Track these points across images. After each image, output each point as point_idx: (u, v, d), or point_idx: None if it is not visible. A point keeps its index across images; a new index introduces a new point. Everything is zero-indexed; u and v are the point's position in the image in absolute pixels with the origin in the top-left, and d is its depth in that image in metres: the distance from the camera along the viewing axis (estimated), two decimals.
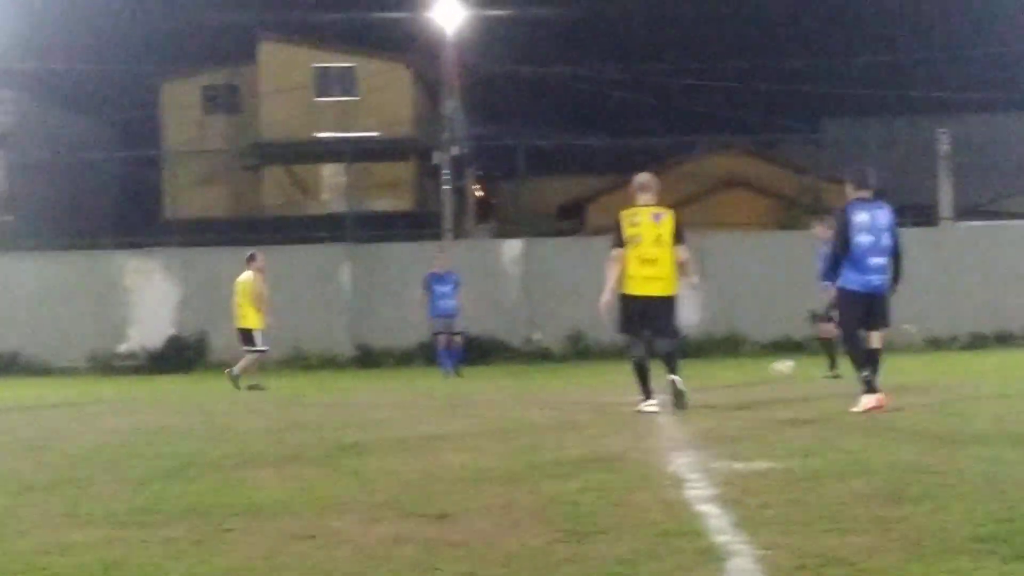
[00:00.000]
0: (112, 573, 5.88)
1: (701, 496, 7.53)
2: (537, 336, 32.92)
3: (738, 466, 8.92)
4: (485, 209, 60.23)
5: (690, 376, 14.63)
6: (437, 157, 43.33)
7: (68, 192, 48.58)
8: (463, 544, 6.30)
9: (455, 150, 43.54)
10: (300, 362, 31.24)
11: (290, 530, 6.84)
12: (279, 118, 52.74)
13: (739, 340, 32.15)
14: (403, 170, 54.39)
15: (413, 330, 29.65)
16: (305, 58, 53.74)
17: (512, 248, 34.04)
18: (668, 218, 14.12)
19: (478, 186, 56.92)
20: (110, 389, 24.12)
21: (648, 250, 13.89)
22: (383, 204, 51.30)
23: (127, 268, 33.09)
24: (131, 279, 32.85)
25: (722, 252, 32.10)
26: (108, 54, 54.31)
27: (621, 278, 14.00)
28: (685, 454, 9.72)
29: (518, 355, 32.41)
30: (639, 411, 13.77)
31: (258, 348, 23.49)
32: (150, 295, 32.75)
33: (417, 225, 43.24)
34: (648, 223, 13.98)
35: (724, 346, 31.57)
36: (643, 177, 14.41)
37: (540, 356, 32.43)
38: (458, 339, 26.06)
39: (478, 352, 31.31)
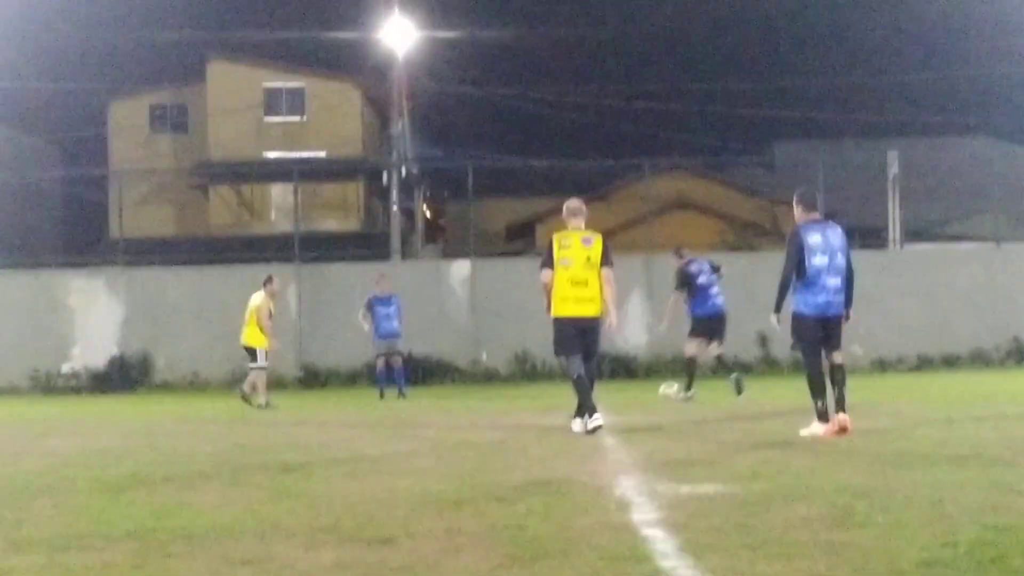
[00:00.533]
0: None
1: (647, 520, 7.50)
2: (484, 357, 32.88)
3: (685, 489, 8.89)
4: (433, 230, 60.24)
5: (640, 397, 14.62)
6: (385, 178, 43.29)
7: (13, 211, 48.22)
8: (406, 569, 6.24)
9: (403, 171, 43.52)
10: (242, 382, 31.06)
11: (232, 555, 6.75)
12: (228, 137, 52.56)
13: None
14: (351, 191, 54.29)
15: (359, 350, 29.53)
16: (254, 78, 53.60)
17: (460, 269, 34.00)
18: (597, 242, 14.43)
19: (426, 207, 56.91)
20: (52, 409, 23.89)
21: (578, 272, 14.23)
22: (331, 224, 51.20)
23: (71, 287, 32.83)
24: (75, 298, 32.59)
25: (669, 273, 32.09)
26: (56, 72, 54.00)
27: (553, 300, 14.37)
28: (631, 477, 9.69)
29: (465, 376, 32.37)
30: (586, 427, 13.86)
31: (260, 365, 23.46)
32: (94, 315, 32.49)
33: (365, 245, 43.16)
34: (578, 246, 14.34)
35: (673, 367, 31.58)
36: (573, 203, 14.75)
37: (487, 376, 32.39)
38: (398, 360, 26.01)
39: (424, 373, 31.23)
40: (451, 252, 47.76)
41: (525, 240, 54.50)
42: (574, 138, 54.10)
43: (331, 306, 32.01)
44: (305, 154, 51.09)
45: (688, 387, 20.46)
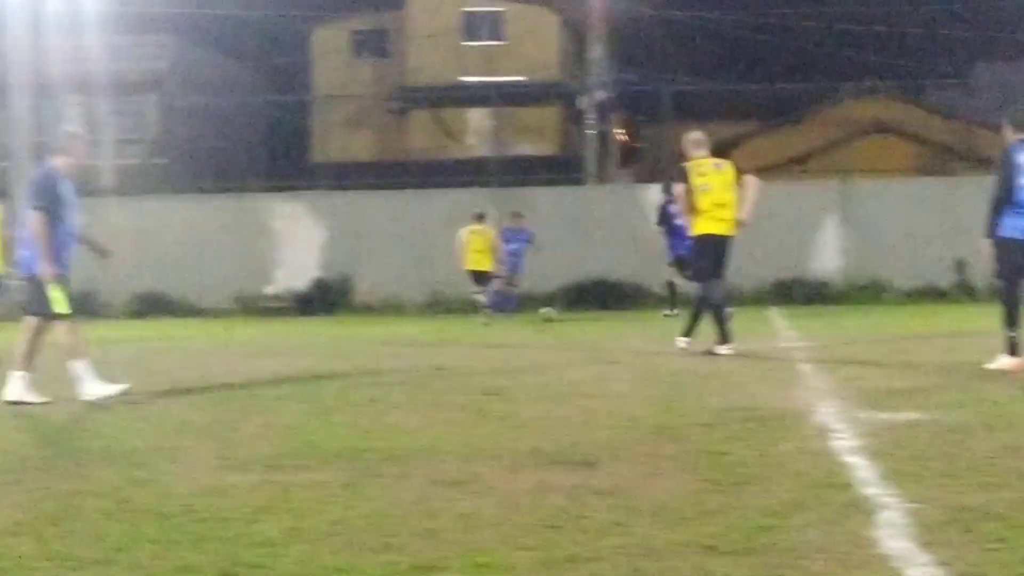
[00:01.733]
0: (265, 516, 6.01)
1: (847, 447, 7.50)
2: (678, 281, 32.77)
3: (884, 416, 8.86)
4: (628, 154, 59.98)
5: (835, 323, 14.52)
6: (581, 102, 43.23)
7: (219, 136, 49.24)
8: (610, 493, 6.34)
9: (600, 95, 43.39)
10: (440, 306, 31.42)
11: (438, 476, 6.93)
12: (426, 62, 52.88)
13: (881, 287, 31.70)
14: (547, 115, 54.28)
15: (554, 274, 29.71)
16: (454, 2, 53.77)
17: (655, 193, 33.87)
18: (727, 166, 15.41)
19: (621, 131, 56.69)
20: (256, 331, 24.46)
21: (719, 195, 15.11)
22: (527, 148, 51.30)
23: (275, 211, 33.48)
24: (279, 222, 33.22)
25: (866, 199, 31.64)
26: None
27: (698, 220, 15.30)
28: (830, 404, 9.66)
29: (660, 300, 32.29)
30: (716, 353, 14.47)
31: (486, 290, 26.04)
32: (297, 238, 33.10)
33: (560, 170, 43.19)
34: (713, 172, 15.25)
35: (866, 294, 31.16)
36: (697, 135, 15.76)
37: (682, 302, 32.25)
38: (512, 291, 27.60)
39: (620, 297, 31.27)
40: (646, 176, 47.54)
41: None
42: (770, 61, 53.11)
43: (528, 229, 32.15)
44: (503, 79, 51.20)
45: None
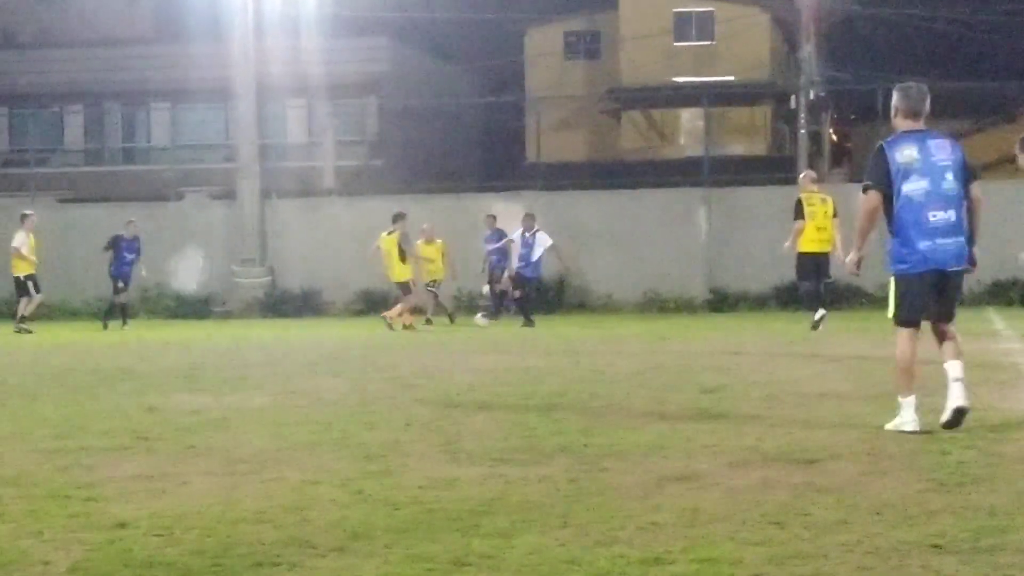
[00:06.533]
0: (494, 508, 6.19)
1: None
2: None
3: None
4: (840, 153, 59.23)
5: None
6: (793, 101, 42.86)
7: (435, 137, 49.83)
8: (833, 490, 6.39)
9: (811, 94, 42.98)
10: (656, 305, 31.42)
11: (661, 471, 7.04)
12: (638, 63, 52.88)
13: None
14: (759, 114, 53.88)
15: (768, 274, 29.48)
16: (665, 3, 53.68)
17: None
18: (830, 201, 20.86)
19: (833, 130, 56.02)
20: (474, 329, 24.65)
21: (821, 221, 20.53)
22: (738, 148, 50.98)
23: (491, 210, 33.71)
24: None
25: None
26: (476, 2, 55.30)
27: (802, 240, 20.49)
28: None
29: (873, 300, 31.80)
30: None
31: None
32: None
33: (772, 169, 42.86)
34: (819, 204, 20.67)
35: None
36: (812, 173, 22.54)
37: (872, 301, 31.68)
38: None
39: (835, 296, 30.91)
40: (858, 176, 46.85)
41: None
42: (982, 58, 51.88)
43: (739, 229, 31.91)
44: (713, 79, 50.99)
45: None
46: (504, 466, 7.36)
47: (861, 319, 25.78)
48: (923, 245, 8.31)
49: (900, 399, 8.28)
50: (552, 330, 23.31)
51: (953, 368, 8.20)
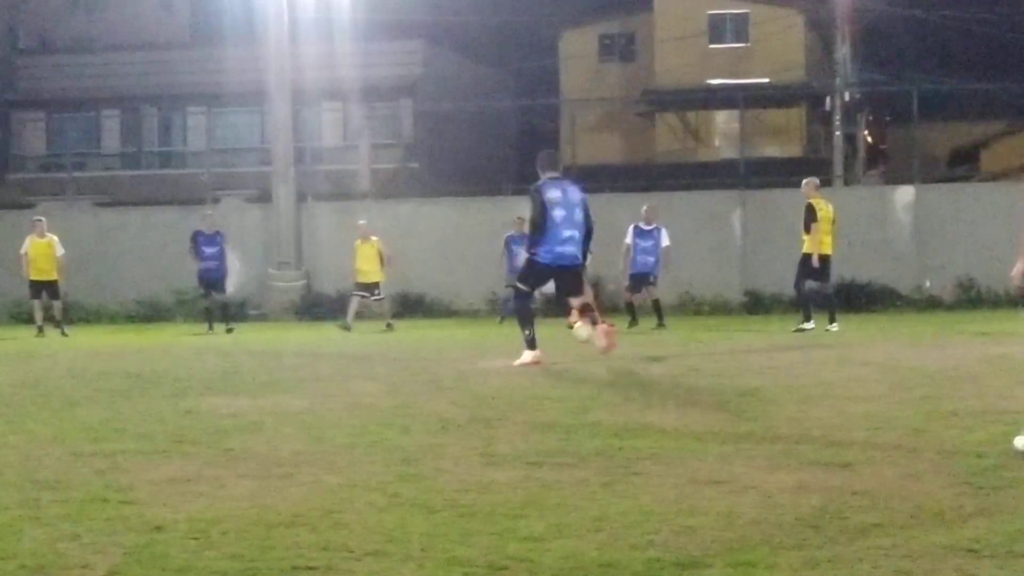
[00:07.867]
0: (529, 511, 6.18)
1: None
2: (927, 284, 32.17)
3: None
4: (875, 155, 59.11)
5: None
6: (828, 103, 42.82)
7: (470, 140, 49.94)
8: (868, 494, 6.38)
9: (846, 96, 42.92)
10: (691, 307, 31.44)
11: (697, 475, 7.04)
12: (673, 65, 52.93)
13: None
14: (794, 116, 53.85)
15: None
16: (699, 5, 53.74)
17: (903, 194, 33.36)
18: (831, 206, 22.55)
19: (868, 132, 55.91)
20: (509, 330, 24.67)
21: (827, 227, 22.32)
22: (773, 150, 50.97)
23: (522, 214, 33.74)
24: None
25: None
26: (510, 4, 55.42)
27: (815, 244, 21.92)
28: None
29: (907, 302, 31.77)
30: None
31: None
32: None
33: (807, 171, 42.75)
34: (825, 209, 22.31)
35: None
36: (815, 180, 23.25)
37: (930, 304, 31.70)
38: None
39: (867, 299, 30.89)
40: (893, 178, 46.78)
41: (970, 165, 52.73)
42: (1019, 59, 51.78)
43: (774, 231, 31.91)
44: (748, 80, 50.97)
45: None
46: (539, 469, 7.36)
47: (894, 321, 25.75)
48: None
49: None
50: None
51: None
